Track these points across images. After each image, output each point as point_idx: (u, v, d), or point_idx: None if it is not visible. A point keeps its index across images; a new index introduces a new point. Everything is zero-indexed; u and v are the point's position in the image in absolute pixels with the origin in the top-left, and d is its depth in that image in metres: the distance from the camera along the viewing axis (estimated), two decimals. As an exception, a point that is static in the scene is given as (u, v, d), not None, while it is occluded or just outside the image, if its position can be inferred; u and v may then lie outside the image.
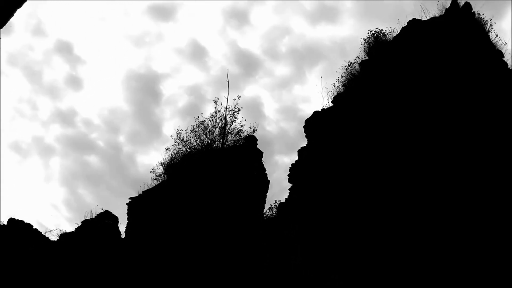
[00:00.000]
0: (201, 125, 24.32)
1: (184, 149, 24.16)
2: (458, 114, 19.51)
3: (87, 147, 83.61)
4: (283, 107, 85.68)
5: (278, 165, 63.62)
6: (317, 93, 26.93)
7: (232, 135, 24.25)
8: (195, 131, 24.25)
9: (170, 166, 24.13)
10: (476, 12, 21.65)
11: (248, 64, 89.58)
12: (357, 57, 22.34)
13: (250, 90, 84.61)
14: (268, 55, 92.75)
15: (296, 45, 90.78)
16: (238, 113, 24.51)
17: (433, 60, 21.00)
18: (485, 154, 18.18)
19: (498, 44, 21.35)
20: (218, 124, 24.30)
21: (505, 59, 21.15)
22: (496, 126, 18.90)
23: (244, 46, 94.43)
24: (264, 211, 23.55)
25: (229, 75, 26.28)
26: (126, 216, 24.91)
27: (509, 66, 21.11)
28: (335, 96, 22.41)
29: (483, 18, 21.58)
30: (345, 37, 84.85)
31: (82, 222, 25.42)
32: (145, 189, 24.34)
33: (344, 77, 22.25)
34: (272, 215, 23.36)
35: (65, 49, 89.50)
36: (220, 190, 22.83)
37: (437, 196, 17.71)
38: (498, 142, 18.45)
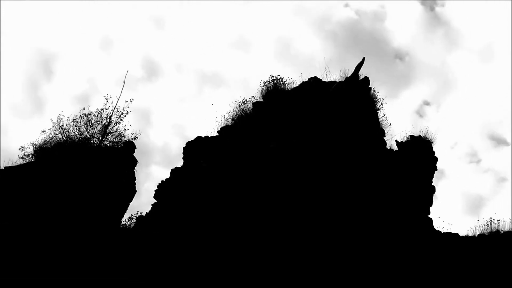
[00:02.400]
0: (84, 117, 23.58)
1: (61, 136, 23.29)
2: (329, 170, 20.21)
3: (-39, 105, 77.45)
4: (174, 122, 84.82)
5: (153, 176, 62.58)
6: (205, 119, 27.17)
7: (113, 136, 23.66)
8: (77, 121, 23.46)
9: (41, 150, 23.13)
10: (372, 88, 22.67)
11: (152, 70, 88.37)
12: (253, 96, 22.71)
13: (147, 97, 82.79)
14: (175, 67, 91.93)
15: (204, 65, 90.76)
16: (125, 116, 24.01)
17: (322, 120, 21.72)
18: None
19: (384, 123, 22.48)
20: (101, 121, 23.67)
21: (385, 138, 22.28)
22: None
23: (154, 51, 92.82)
24: (123, 219, 23.10)
25: (128, 76, 25.71)
26: (-22, 188, 23.55)
27: (387, 146, 22.26)
28: (222, 127, 22.60)
29: (377, 95, 22.67)
30: (251, 71, 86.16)
31: None
32: (8, 165, 23.16)
33: (235, 112, 22.49)
34: (130, 225, 22.95)
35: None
36: (84, 188, 22.18)
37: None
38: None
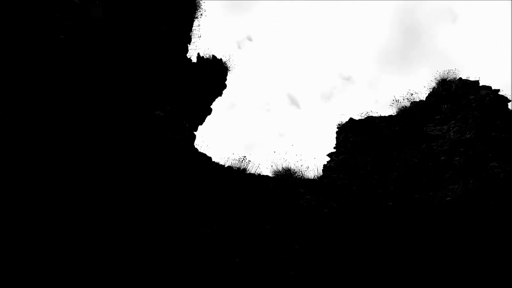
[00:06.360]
0: None
1: None
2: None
3: None
4: None
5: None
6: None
7: None
8: None
9: None
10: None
11: None
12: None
13: None
14: None
15: None
16: None
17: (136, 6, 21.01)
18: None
19: (195, 33, 22.49)
20: None
21: (190, 47, 22.34)
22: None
23: None
24: None
25: None
26: None
27: (188, 54, 22.34)
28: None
29: (201, 4, 22.49)
30: None
31: None
32: None
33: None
34: None
35: None
36: None
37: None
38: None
